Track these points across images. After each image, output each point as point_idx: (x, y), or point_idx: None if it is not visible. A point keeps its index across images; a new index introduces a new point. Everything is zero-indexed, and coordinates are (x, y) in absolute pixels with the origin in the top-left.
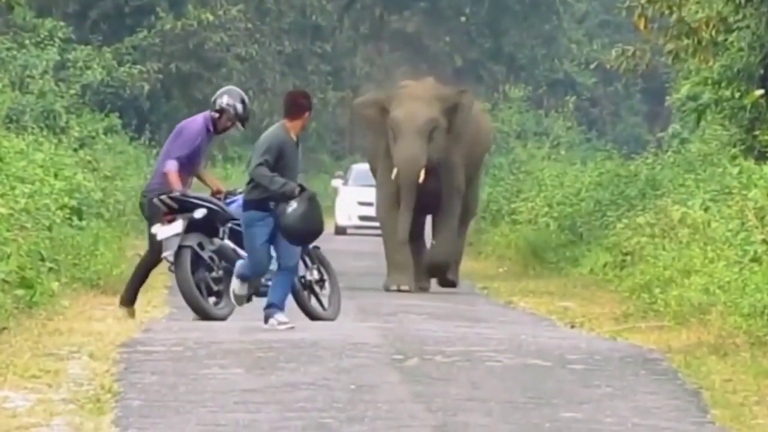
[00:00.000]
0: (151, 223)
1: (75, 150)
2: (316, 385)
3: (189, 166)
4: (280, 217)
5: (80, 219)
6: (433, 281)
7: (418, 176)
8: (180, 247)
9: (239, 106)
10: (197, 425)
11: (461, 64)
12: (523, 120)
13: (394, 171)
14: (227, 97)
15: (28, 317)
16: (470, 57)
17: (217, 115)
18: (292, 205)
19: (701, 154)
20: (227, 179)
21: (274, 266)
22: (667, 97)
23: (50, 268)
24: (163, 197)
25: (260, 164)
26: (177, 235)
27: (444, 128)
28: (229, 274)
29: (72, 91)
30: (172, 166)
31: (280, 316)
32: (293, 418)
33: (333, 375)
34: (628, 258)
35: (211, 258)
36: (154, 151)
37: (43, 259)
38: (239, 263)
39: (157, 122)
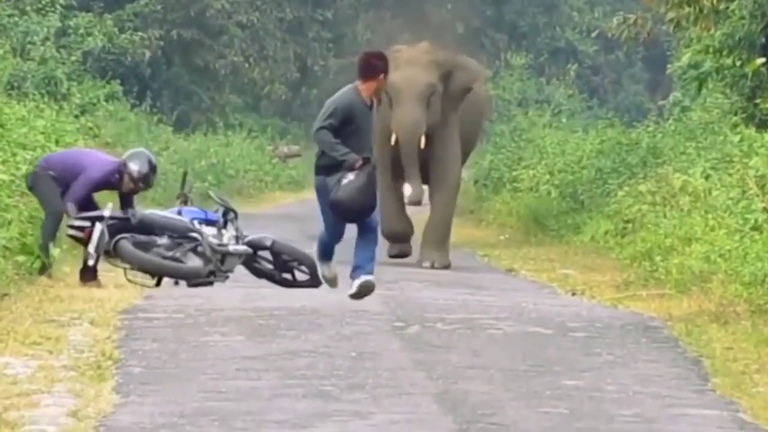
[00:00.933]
0: (33, 192)
1: (76, 117)
2: (316, 352)
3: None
4: (333, 188)
5: None
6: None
7: (419, 142)
8: (116, 243)
9: (144, 170)
10: (198, 392)
11: (463, 32)
12: (525, 88)
13: (393, 137)
14: (136, 163)
15: (29, 284)
16: (472, 25)
17: (120, 176)
18: (349, 177)
19: (702, 122)
20: (228, 146)
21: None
22: (669, 66)
23: None
24: (71, 226)
25: (322, 128)
26: (102, 233)
27: (440, 94)
28: (172, 235)
29: (73, 58)
30: (70, 209)
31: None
32: (294, 386)
33: (334, 342)
34: (629, 226)
35: (147, 236)
36: (155, 118)
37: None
38: (317, 244)
39: (158, 89)
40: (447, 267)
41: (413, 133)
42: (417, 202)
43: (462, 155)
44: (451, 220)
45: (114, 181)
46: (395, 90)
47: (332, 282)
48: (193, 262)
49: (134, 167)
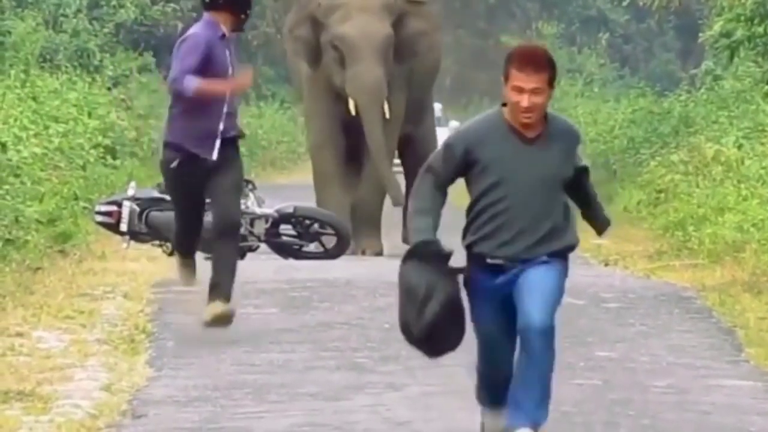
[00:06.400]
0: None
1: (108, 89)
2: (350, 324)
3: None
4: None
5: (114, 158)
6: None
7: (384, 109)
8: (147, 216)
9: None
10: (231, 365)
11: (494, 1)
12: (556, 57)
13: (351, 104)
14: None
15: (62, 257)
16: None
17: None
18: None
19: (734, 91)
20: (261, 117)
21: None
22: (700, 34)
23: (84, 207)
24: (98, 212)
25: (425, 170)
26: (132, 211)
27: (392, 46)
28: None
29: (105, 30)
30: (186, 84)
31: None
32: (327, 358)
33: (367, 314)
34: (662, 195)
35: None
36: None
37: (77, 198)
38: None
39: None
40: (379, 254)
41: (377, 97)
42: (399, 203)
43: (406, 120)
44: (383, 197)
45: (215, 30)
46: (348, 45)
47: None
48: None
49: None
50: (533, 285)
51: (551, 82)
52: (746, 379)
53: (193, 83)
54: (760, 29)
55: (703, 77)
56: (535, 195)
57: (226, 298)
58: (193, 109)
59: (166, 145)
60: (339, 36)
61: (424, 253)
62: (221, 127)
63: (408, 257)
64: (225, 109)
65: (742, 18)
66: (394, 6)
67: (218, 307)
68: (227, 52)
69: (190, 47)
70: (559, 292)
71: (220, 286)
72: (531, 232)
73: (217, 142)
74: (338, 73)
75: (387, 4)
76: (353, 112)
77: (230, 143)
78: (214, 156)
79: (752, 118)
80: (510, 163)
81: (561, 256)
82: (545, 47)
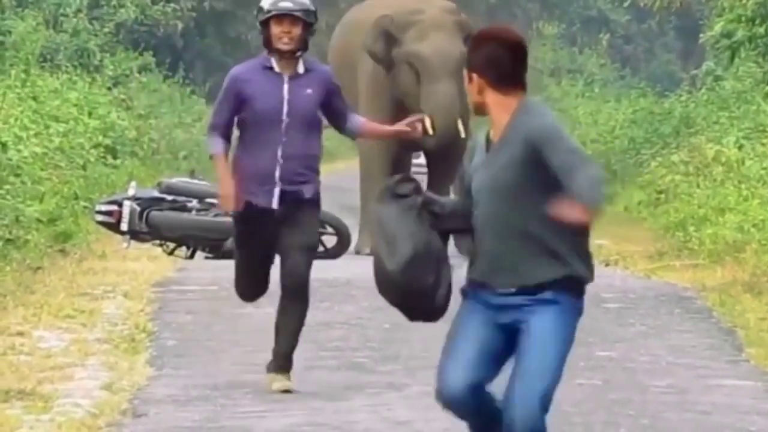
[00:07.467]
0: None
1: (109, 88)
2: (349, 324)
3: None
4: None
5: (114, 158)
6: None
7: (458, 126)
8: (147, 216)
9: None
10: (232, 365)
11: (495, 1)
12: (557, 57)
13: (427, 121)
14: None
15: (63, 256)
16: None
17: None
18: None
19: (735, 91)
20: None
21: None
22: (701, 35)
23: (85, 207)
24: (99, 211)
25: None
26: (132, 210)
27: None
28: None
29: (106, 30)
30: (213, 144)
31: None
32: (327, 357)
33: (367, 314)
34: (663, 196)
35: (174, 201)
36: (188, 90)
37: (77, 198)
38: None
39: (190, 60)
40: None
41: (452, 116)
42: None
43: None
44: None
45: (253, 62)
46: (424, 63)
47: None
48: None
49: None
50: (529, 361)
51: (475, 71)
52: (746, 379)
53: (212, 149)
54: (761, 30)
55: (703, 78)
56: (489, 209)
57: (287, 370)
58: (246, 151)
59: None
60: (414, 54)
61: (396, 190)
62: (278, 173)
63: (381, 195)
64: (279, 153)
65: (743, 18)
66: (465, 24)
67: (279, 382)
68: (282, 87)
69: (219, 95)
70: (562, 360)
71: (282, 358)
72: (495, 255)
73: (276, 190)
74: (412, 88)
75: (459, 21)
76: (430, 131)
77: (306, 204)
78: (274, 205)
79: (753, 118)
80: (476, 173)
81: (568, 290)
82: (484, 29)
